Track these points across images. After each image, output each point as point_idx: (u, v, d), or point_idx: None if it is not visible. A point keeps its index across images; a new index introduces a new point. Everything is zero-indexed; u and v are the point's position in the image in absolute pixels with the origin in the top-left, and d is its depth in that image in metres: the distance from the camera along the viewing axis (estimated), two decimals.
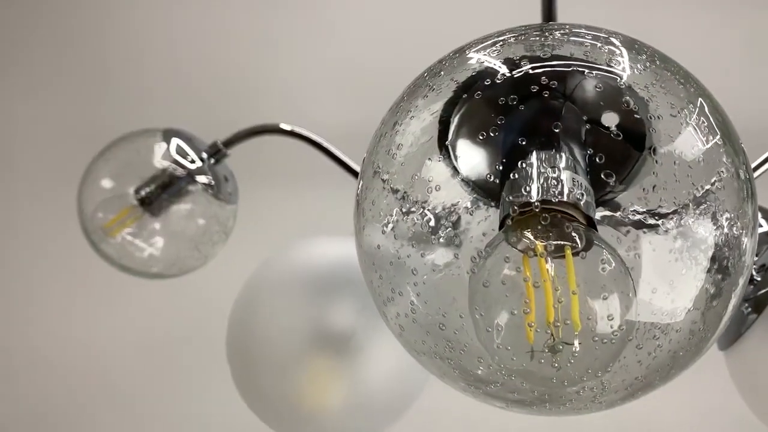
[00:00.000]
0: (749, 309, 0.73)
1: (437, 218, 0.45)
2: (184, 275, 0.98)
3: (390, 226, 0.46)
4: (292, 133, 0.96)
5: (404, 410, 0.78)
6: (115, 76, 1.52)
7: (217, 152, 0.94)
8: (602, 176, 0.44)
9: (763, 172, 0.79)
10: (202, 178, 0.93)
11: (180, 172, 0.92)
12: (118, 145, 0.95)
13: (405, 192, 0.46)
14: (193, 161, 0.93)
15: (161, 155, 0.93)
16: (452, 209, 0.45)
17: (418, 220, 0.45)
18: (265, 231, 1.28)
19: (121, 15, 1.52)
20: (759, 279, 0.73)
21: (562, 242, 0.43)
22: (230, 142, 0.96)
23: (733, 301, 0.47)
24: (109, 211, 0.93)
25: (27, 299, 1.52)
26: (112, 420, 1.49)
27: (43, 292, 1.51)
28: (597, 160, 0.44)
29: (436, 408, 1.02)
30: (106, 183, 0.94)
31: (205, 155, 0.94)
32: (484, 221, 0.45)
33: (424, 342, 0.47)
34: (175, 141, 0.94)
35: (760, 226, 0.90)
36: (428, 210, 0.45)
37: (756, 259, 0.77)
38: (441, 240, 0.45)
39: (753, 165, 0.77)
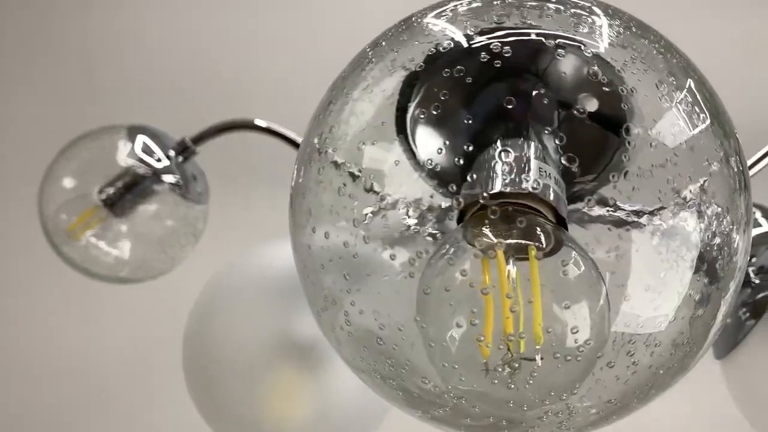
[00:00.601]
0: (747, 314, 0.67)
1: (373, 214, 0.39)
2: (154, 279, 0.94)
3: (320, 223, 0.40)
4: (267, 130, 0.91)
5: (375, 425, 0.73)
6: (97, 74, 1.48)
7: (185, 150, 0.90)
8: (563, 161, 0.37)
9: (764, 167, 0.73)
10: (168, 177, 0.88)
11: (145, 170, 0.87)
12: (80, 143, 0.91)
13: (339, 184, 0.40)
14: (159, 159, 0.88)
15: (126, 153, 0.89)
16: (393, 203, 0.39)
17: (351, 216, 0.39)
18: (246, 232, 1.23)
19: (104, 11, 1.48)
20: (757, 282, 0.68)
21: (522, 241, 0.37)
22: (199, 139, 0.91)
23: (723, 309, 0.41)
24: (72, 212, 0.89)
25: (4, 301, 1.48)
26: (94, 424, 1.45)
27: (22, 294, 1.47)
28: (557, 141, 0.37)
29: (408, 423, 0.97)
30: (68, 182, 0.90)
31: (172, 153, 0.89)
32: (431, 217, 0.39)
33: (362, 358, 0.41)
34: (141, 138, 0.90)
35: (759, 225, 0.84)
36: (363, 205, 0.39)
37: (754, 260, 0.71)
38: (378, 240, 0.39)
39: (755, 157, 0.71)
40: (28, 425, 1.45)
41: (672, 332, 0.40)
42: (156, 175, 0.87)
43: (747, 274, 0.69)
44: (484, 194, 0.36)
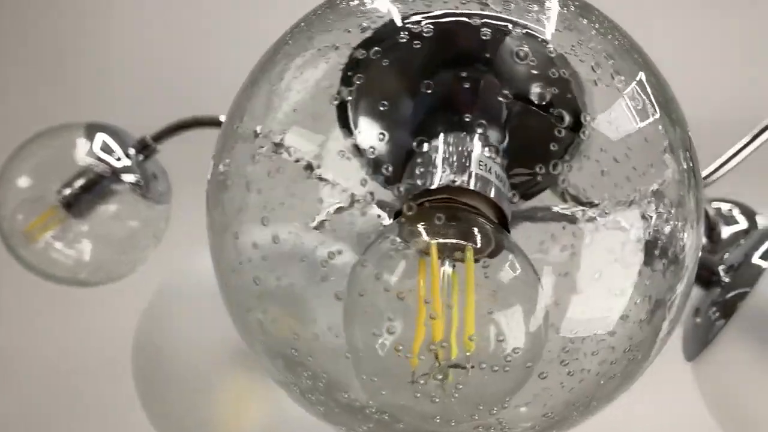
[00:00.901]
0: (717, 314, 0.65)
1: (287, 210, 0.36)
2: (114, 282, 0.92)
3: (229, 223, 0.37)
4: None
5: None
6: (55, 71, 1.45)
7: (145, 148, 0.87)
8: (486, 153, 0.34)
9: (740, 162, 0.70)
10: (128, 177, 0.86)
11: (104, 169, 0.85)
12: (36, 141, 0.88)
13: (248, 179, 0.36)
14: (118, 158, 0.86)
15: (84, 152, 0.86)
16: (312, 198, 0.35)
17: (259, 215, 0.36)
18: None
19: (67, 8, 1.46)
20: (727, 281, 0.65)
21: (449, 241, 0.34)
22: (160, 137, 0.88)
23: (671, 315, 0.38)
24: (29, 213, 0.87)
25: None
26: (79, 424, 1.43)
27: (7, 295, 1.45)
28: (479, 130, 0.34)
29: None
30: (24, 182, 0.87)
31: (132, 151, 0.86)
32: (347, 215, 0.36)
33: (279, 370, 0.38)
34: (100, 136, 0.87)
35: (736, 222, 0.81)
36: (274, 201, 0.36)
37: (726, 257, 0.68)
38: (289, 240, 0.36)
39: (732, 152, 0.68)
40: (18, 425, 1.43)
41: (617, 337, 0.37)
42: (115, 174, 0.85)
43: (717, 273, 0.66)
44: (399, 189, 0.33)
